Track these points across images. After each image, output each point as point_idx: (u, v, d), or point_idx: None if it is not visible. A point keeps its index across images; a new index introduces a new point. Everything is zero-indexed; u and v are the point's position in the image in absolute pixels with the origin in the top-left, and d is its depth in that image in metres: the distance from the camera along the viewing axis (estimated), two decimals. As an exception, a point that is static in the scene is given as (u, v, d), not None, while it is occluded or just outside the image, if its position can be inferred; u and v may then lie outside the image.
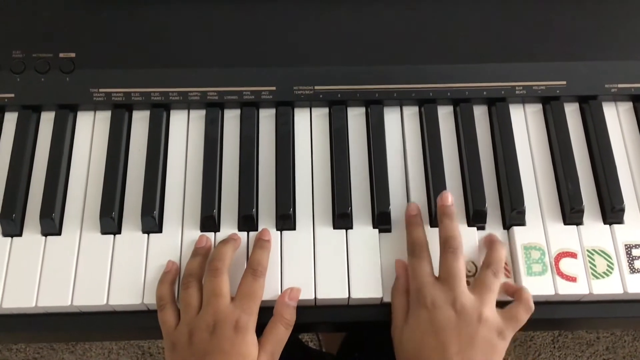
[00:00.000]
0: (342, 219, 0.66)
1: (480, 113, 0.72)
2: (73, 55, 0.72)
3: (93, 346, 1.40)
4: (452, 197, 0.65)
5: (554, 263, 0.64)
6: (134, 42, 0.73)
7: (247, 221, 0.66)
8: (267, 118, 0.72)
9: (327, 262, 0.64)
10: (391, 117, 0.72)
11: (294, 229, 0.66)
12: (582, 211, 0.66)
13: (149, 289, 0.63)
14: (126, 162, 0.70)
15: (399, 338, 0.61)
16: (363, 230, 0.66)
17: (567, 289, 0.63)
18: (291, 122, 0.71)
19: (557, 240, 0.65)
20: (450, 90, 0.71)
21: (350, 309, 0.65)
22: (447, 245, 0.62)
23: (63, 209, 0.67)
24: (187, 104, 0.72)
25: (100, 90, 0.71)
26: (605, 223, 0.67)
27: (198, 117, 0.72)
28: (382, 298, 0.64)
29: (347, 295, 0.63)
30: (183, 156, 0.70)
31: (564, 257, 0.64)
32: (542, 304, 0.64)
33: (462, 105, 0.71)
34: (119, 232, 0.66)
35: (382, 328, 0.64)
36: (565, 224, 0.66)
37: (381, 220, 0.66)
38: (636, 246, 0.65)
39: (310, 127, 0.72)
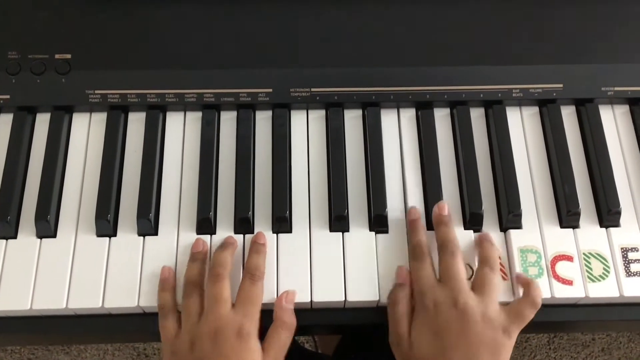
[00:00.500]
0: (338, 221, 0.66)
1: (477, 115, 0.72)
2: (69, 56, 0.72)
3: (88, 347, 1.39)
4: (449, 207, 0.65)
5: (550, 266, 0.64)
6: (130, 43, 0.73)
7: (244, 223, 0.66)
8: (263, 120, 0.72)
9: (323, 265, 0.64)
10: (388, 119, 0.72)
11: (290, 231, 0.66)
12: (578, 214, 0.66)
13: (144, 292, 0.63)
14: (122, 164, 0.70)
15: (407, 345, 0.59)
16: (359, 233, 0.66)
17: (563, 292, 0.63)
18: (288, 124, 0.71)
19: (553, 243, 0.65)
20: (447, 92, 0.71)
21: (346, 312, 0.65)
22: (445, 247, 0.62)
23: (58, 211, 0.67)
24: (184, 106, 0.72)
25: (96, 91, 0.71)
26: (601, 226, 0.67)
27: (194, 118, 0.72)
28: (378, 301, 0.63)
29: (343, 299, 0.63)
30: (179, 158, 0.70)
31: (561, 260, 0.64)
32: (538, 307, 0.64)
33: (459, 107, 0.71)
34: (115, 235, 0.66)
35: (378, 330, 0.64)
36: (561, 227, 0.66)
37: (378, 223, 0.66)
38: (632, 249, 0.65)
39: (306, 129, 0.72)
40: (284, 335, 0.61)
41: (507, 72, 0.72)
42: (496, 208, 0.68)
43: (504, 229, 0.67)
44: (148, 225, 0.65)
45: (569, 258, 0.65)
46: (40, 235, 0.66)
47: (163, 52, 0.73)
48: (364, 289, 0.63)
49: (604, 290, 0.63)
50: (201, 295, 0.61)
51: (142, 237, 0.66)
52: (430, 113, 0.71)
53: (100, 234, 0.66)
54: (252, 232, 0.66)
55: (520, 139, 0.71)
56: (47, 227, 0.65)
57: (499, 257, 0.64)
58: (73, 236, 0.66)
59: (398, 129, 0.72)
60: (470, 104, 0.72)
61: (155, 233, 0.66)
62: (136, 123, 0.72)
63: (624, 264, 0.64)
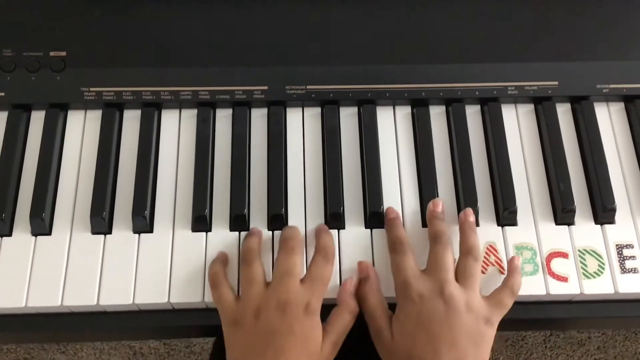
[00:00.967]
0: (334, 218, 0.66)
1: (472, 112, 0.72)
2: (64, 54, 0.72)
3: (84, 346, 1.39)
4: (444, 204, 0.65)
5: (545, 263, 0.64)
6: (125, 41, 0.73)
7: (239, 221, 0.66)
8: (259, 118, 0.72)
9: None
10: (384, 117, 0.72)
11: (286, 228, 0.66)
12: (573, 211, 0.66)
13: (140, 289, 0.63)
14: (117, 161, 0.70)
15: (388, 338, 0.60)
16: (355, 231, 0.66)
17: (558, 289, 0.63)
18: (283, 122, 0.71)
19: (548, 240, 0.65)
20: (442, 90, 0.71)
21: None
22: (437, 238, 0.62)
23: (53, 209, 0.67)
24: (179, 103, 0.72)
25: (91, 89, 0.71)
26: (596, 223, 0.67)
27: (190, 116, 0.72)
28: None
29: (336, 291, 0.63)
30: (174, 156, 0.70)
31: (556, 257, 0.65)
32: (533, 303, 0.64)
33: (454, 105, 0.71)
34: (110, 232, 0.66)
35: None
36: (556, 224, 0.67)
37: (373, 220, 0.66)
38: (627, 246, 0.65)
39: (302, 126, 0.72)
40: (348, 319, 0.61)
41: (502, 70, 0.72)
42: (492, 205, 0.68)
43: (499, 225, 0.67)
44: (143, 222, 0.65)
45: (564, 255, 0.65)
46: (35, 233, 0.66)
47: (158, 50, 0.72)
48: (360, 286, 0.63)
49: (599, 287, 0.63)
50: (261, 265, 0.62)
51: (137, 235, 0.66)
52: (426, 110, 0.71)
53: (95, 231, 0.66)
54: (248, 230, 0.66)
55: (515, 136, 0.71)
56: (42, 224, 0.65)
57: (495, 250, 0.64)
58: (68, 234, 0.66)
59: (394, 127, 0.72)
60: (465, 101, 0.72)
61: (151, 230, 0.66)
62: (131, 121, 0.72)
63: (618, 260, 0.64)
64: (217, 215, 0.67)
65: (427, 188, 0.67)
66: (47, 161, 0.68)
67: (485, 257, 0.64)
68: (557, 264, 0.64)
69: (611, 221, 0.67)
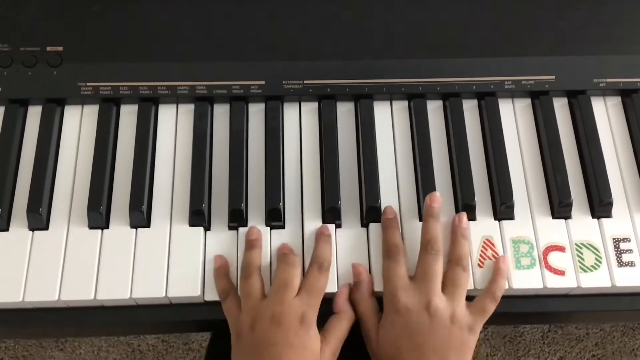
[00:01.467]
0: (331, 213, 0.66)
1: (469, 107, 0.72)
2: (60, 48, 0.72)
3: (82, 344, 1.39)
4: (441, 198, 0.65)
5: (542, 257, 0.64)
6: (121, 35, 0.73)
7: (237, 215, 0.66)
8: (256, 113, 0.72)
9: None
10: (381, 112, 0.72)
11: (283, 224, 0.66)
12: (570, 205, 0.66)
13: (137, 284, 0.63)
14: (114, 156, 0.69)
15: (375, 342, 0.61)
16: (352, 226, 0.66)
17: (555, 283, 0.63)
18: (280, 117, 0.71)
19: (545, 234, 0.65)
20: (439, 84, 0.71)
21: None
22: (429, 246, 0.62)
23: (50, 204, 0.67)
24: (176, 98, 0.72)
25: (88, 84, 0.70)
26: (593, 217, 0.67)
27: (187, 111, 0.72)
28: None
29: (335, 290, 0.63)
30: (172, 150, 0.70)
31: (553, 250, 0.65)
32: (530, 297, 0.65)
33: (451, 99, 0.71)
34: (107, 227, 0.66)
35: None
36: (553, 217, 0.67)
37: (371, 215, 0.66)
38: (624, 240, 0.65)
39: (299, 121, 0.72)
40: (345, 325, 0.62)
41: (499, 64, 0.72)
42: (489, 199, 0.68)
43: (496, 219, 0.67)
44: (140, 217, 0.65)
45: (561, 248, 0.65)
46: (32, 228, 0.66)
47: (155, 45, 0.72)
48: (357, 280, 0.63)
49: (596, 280, 0.63)
50: (260, 278, 0.62)
51: (134, 229, 0.66)
52: (423, 104, 0.71)
53: (92, 226, 0.66)
54: (245, 225, 0.66)
55: (512, 130, 0.71)
56: (39, 219, 0.65)
57: (492, 244, 0.65)
58: (65, 228, 0.66)
59: (391, 121, 0.72)
60: (462, 95, 0.72)
61: (148, 225, 0.66)
62: (128, 116, 0.71)
63: (615, 254, 0.65)
64: (214, 210, 0.67)
65: (424, 182, 0.67)
66: (44, 156, 0.68)
67: (482, 251, 0.64)
68: (554, 258, 0.64)
69: (608, 215, 0.67)
